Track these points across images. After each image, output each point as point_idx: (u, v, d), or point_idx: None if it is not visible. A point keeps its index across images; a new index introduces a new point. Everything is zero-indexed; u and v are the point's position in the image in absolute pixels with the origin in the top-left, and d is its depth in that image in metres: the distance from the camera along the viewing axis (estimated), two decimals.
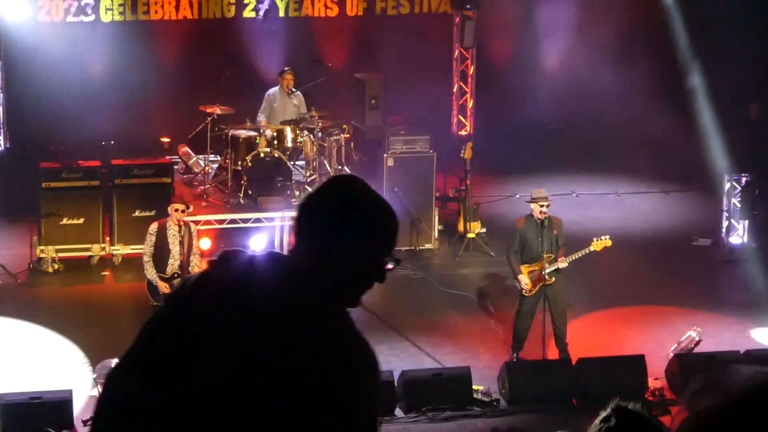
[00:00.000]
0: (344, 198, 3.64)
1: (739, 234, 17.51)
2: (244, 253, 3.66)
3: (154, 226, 13.31)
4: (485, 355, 13.93)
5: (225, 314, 3.52)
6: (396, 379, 12.68)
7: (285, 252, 3.69)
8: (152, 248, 13.22)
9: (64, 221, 16.31)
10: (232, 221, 16.92)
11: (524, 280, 13.40)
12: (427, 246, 17.26)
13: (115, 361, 13.59)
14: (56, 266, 16.21)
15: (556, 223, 13.50)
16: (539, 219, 13.35)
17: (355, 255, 3.60)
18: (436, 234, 17.41)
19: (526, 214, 13.56)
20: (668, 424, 3.48)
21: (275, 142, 17.33)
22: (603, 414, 3.52)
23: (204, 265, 3.75)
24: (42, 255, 16.20)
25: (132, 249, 16.17)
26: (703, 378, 3.43)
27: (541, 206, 13.34)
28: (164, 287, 13.12)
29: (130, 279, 15.64)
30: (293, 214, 3.75)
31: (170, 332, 3.57)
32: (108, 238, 16.49)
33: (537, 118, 21.57)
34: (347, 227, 3.59)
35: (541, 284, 13.41)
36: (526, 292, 13.45)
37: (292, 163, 17.38)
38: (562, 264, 13.33)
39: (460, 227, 17.26)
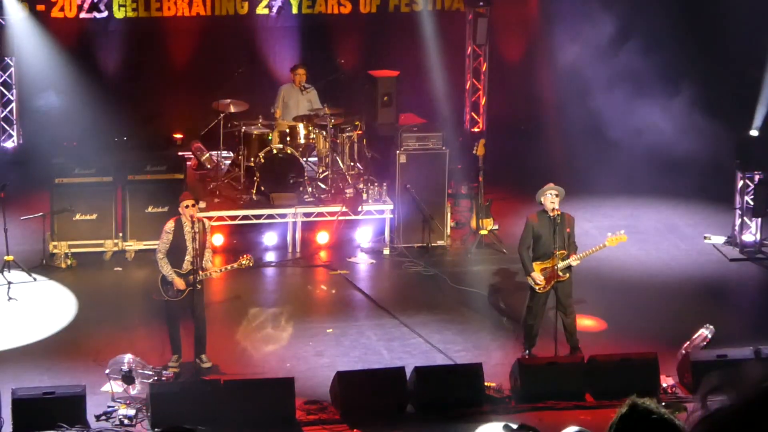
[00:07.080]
0: None
1: (752, 232, 17.46)
2: None
3: (170, 224, 13.23)
4: (497, 351, 13.92)
5: None
6: (408, 375, 12.68)
7: None
8: (168, 246, 13.17)
9: (77, 217, 16.33)
10: (245, 217, 16.93)
11: (537, 277, 13.36)
12: (440, 243, 17.25)
13: (128, 357, 13.45)
14: (69, 262, 16.24)
15: (569, 221, 13.44)
16: (552, 215, 13.29)
17: None
18: (449, 231, 17.38)
19: (539, 210, 13.52)
20: (683, 421, 3.46)
21: (288, 138, 17.32)
22: (621, 411, 3.50)
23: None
24: (55, 251, 16.24)
25: (145, 245, 16.20)
26: (716, 377, 3.40)
27: (552, 196, 13.25)
28: (181, 283, 13.06)
29: (142, 275, 15.64)
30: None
31: None
32: (121, 234, 16.52)
33: (550, 115, 21.53)
34: None
35: (554, 281, 13.38)
36: (539, 290, 13.42)
37: (304, 159, 17.37)
38: (574, 261, 13.29)
39: (473, 224, 17.24)
